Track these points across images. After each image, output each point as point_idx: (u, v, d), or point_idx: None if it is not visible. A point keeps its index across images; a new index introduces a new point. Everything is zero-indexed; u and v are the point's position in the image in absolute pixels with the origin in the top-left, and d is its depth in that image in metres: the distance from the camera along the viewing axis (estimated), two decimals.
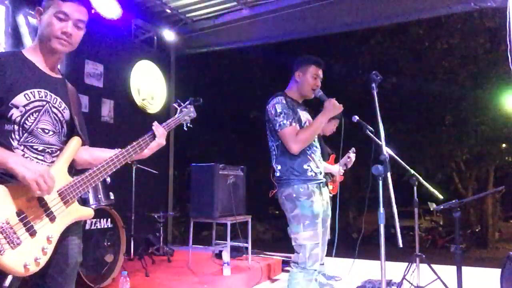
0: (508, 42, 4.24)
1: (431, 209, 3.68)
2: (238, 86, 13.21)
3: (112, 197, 4.02)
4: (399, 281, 3.64)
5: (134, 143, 1.82)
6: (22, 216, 1.47)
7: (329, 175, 4.05)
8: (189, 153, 11.67)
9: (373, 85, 2.46)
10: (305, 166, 2.72)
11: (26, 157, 1.59)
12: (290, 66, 2.96)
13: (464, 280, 2.84)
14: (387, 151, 2.35)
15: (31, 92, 1.61)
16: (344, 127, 3.10)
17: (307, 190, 2.68)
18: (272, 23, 5.81)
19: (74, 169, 1.77)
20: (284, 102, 2.75)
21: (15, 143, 1.58)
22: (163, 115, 6.23)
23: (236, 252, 4.99)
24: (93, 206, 3.70)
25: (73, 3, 1.67)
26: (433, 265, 3.60)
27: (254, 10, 5.85)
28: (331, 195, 4.11)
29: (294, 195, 2.67)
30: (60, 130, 1.71)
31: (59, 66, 1.83)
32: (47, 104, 1.66)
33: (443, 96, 12.22)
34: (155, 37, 6.47)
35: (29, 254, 1.46)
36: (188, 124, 2.11)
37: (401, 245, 2.12)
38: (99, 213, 3.74)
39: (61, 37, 1.65)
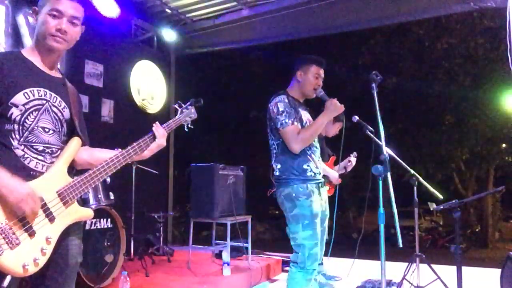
0: (508, 42, 4.24)
1: (431, 209, 3.68)
2: (238, 86, 13.23)
3: (112, 197, 4.02)
4: (399, 281, 3.64)
5: (134, 143, 1.81)
6: (21, 217, 1.47)
7: (325, 177, 4.06)
8: (189, 153, 11.66)
9: (373, 85, 2.46)
10: (304, 166, 2.72)
11: (26, 157, 1.58)
12: (291, 65, 2.97)
13: (464, 280, 2.84)
14: (387, 151, 2.35)
15: (30, 91, 1.61)
16: (345, 129, 3.10)
17: (306, 190, 2.68)
18: (272, 23, 5.81)
19: (74, 170, 1.77)
20: (287, 101, 2.76)
21: (15, 143, 1.58)
22: (163, 115, 6.22)
23: (236, 252, 4.99)
24: (93, 206, 3.70)
25: (67, 0, 1.66)
26: (433, 265, 3.60)
27: (254, 10, 5.85)
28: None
29: (294, 195, 2.68)
30: (60, 129, 1.71)
31: (59, 66, 1.83)
32: (47, 103, 1.66)
33: (443, 96, 12.22)
34: (155, 37, 6.47)
35: (28, 255, 1.46)
36: (189, 125, 2.11)
37: (401, 245, 2.12)
38: (99, 213, 3.74)
39: (56, 35, 1.64)
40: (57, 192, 1.58)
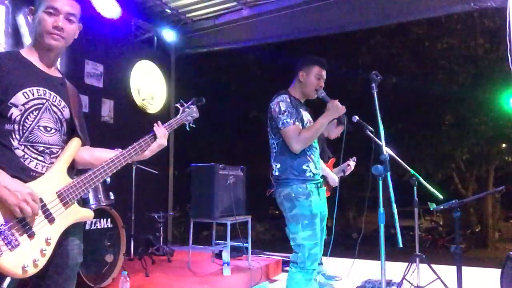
0: (508, 42, 4.24)
1: (431, 209, 3.68)
2: (238, 86, 13.22)
3: (112, 197, 4.02)
4: (399, 281, 3.64)
5: (135, 143, 1.81)
6: (20, 218, 1.46)
7: (324, 178, 4.07)
8: (189, 153, 11.66)
9: (373, 85, 2.47)
10: (304, 167, 2.72)
11: (26, 158, 1.58)
12: (293, 65, 2.97)
13: (464, 280, 2.84)
14: (387, 151, 2.36)
15: (29, 91, 1.61)
16: (346, 132, 3.10)
17: (305, 190, 2.68)
18: (272, 23, 5.81)
19: (74, 170, 1.76)
20: (289, 100, 2.76)
21: (15, 143, 1.57)
22: (163, 115, 6.22)
23: (236, 252, 4.98)
24: (93, 206, 3.70)
25: None
26: (433, 265, 3.60)
27: (254, 10, 5.85)
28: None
29: (293, 195, 2.68)
30: (60, 129, 1.71)
31: (58, 66, 1.82)
32: (47, 102, 1.66)
33: (443, 96, 12.22)
34: (155, 37, 6.47)
35: (28, 256, 1.46)
36: (191, 124, 2.10)
37: (401, 245, 2.12)
38: (99, 213, 3.73)
39: (53, 32, 1.64)
40: (56, 193, 1.58)
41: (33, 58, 1.69)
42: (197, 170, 4.79)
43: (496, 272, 3.44)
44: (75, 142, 1.73)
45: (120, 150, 1.77)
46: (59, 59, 4.58)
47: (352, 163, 4.24)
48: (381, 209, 2.22)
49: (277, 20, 5.75)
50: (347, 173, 4.26)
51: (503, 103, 10.12)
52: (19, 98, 1.58)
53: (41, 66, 1.70)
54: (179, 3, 5.95)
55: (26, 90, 1.60)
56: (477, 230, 16.44)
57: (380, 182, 2.24)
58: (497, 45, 10.63)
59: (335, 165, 4.32)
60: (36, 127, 1.62)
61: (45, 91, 1.66)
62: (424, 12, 5.19)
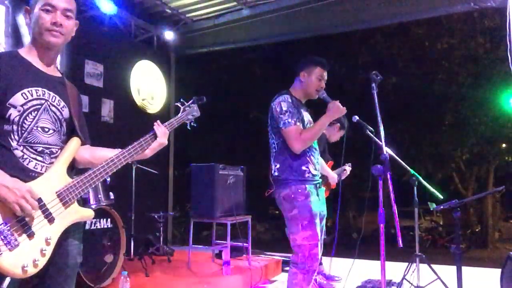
0: (508, 42, 4.24)
1: (431, 209, 3.68)
2: (238, 86, 13.21)
3: (112, 197, 4.02)
4: (399, 281, 3.64)
5: (135, 143, 1.80)
6: (19, 217, 1.46)
7: (325, 177, 4.09)
8: (189, 153, 11.66)
9: (373, 85, 2.47)
10: (303, 167, 2.72)
11: (26, 158, 1.58)
12: (293, 65, 2.97)
13: (464, 280, 2.83)
14: (387, 151, 2.36)
15: (28, 91, 1.60)
16: (346, 136, 3.10)
17: (305, 190, 2.68)
18: (272, 23, 5.81)
19: (75, 169, 1.76)
20: (290, 100, 2.76)
21: (14, 144, 1.57)
22: (163, 115, 6.23)
23: (236, 252, 4.99)
24: (93, 206, 3.70)
25: None
26: (433, 265, 3.60)
27: (254, 10, 5.85)
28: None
29: (292, 196, 2.68)
30: (60, 129, 1.70)
31: (58, 66, 1.82)
32: (46, 103, 1.65)
33: (443, 96, 12.22)
34: (155, 37, 6.47)
35: (27, 256, 1.45)
36: (192, 123, 2.10)
37: (401, 245, 2.12)
38: (99, 213, 3.73)
39: (52, 29, 1.63)
40: (56, 192, 1.58)
41: (32, 57, 1.68)
42: (197, 170, 4.79)
43: (496, 272, 3.44)
44: (75, 141, 1.72)
45: (120, 150, 1.77)
46: (59, 59, 4.60)
47: (348, 168, 4.27)
48: (381, 209, 2.22)
49: (277, 20, 5.75)
50: (343, 177, 4.30)
51: (503, 103, 10.13)
52: (17, 99, 1.57)
53: (40, 65, 1.69)
54: (179, 3, 5.95)
55: (25, 90, 1.59)
56: (477, 230, 16.44)
57: (380, 182, 2.24)
58: (497, 45, 10.62)
59: (333, 168, 4.34)
60: (35, 128, 1.61)
61: (44, 91, 1.65)
62: (424, 12, 5.20)
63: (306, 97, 2.92)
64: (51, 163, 1.64)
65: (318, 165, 2.88)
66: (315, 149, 2.86)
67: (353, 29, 6.16)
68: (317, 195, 2.79)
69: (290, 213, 2.69)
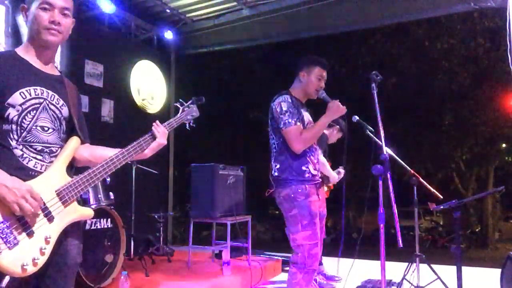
0: (508, 42, 4.24)
1: (431, 209, 3.68)
2: (238, 86, 13.22)
3: (112, 197, 4.02)
4: (399, 281, 3.64)
5: (135, 142, 1.80)
6: (19, 216, 1.46)
7: (326, 178, 4.09)
8: (189, 153, 11.67)
9: (373, 85, 2.47)
10: (303, 168, 2.72)
11: (25, 157, 1.58)
12: (293, 65, 2.97)
13: (464, 280, 2.84)
14: (387, 151, 2.36)
15: (27, 90, 1.60)
16: (345, 135, 3.10)
17: (304, 190, 2.68)
18: (272, 23, 5.81)
19: (74, 168, 1.76)
20: (290, 101, 2.76)
21: (13, 143, 1.57)
22: (163, 115, 6.23)
23: (236, 252, 4.99)
24: (93, 206, 3.70)
25: None
26: (433, 265, 3.60)
27: (254, 10, 5.85)
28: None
29: (292, 195, 2.68)
30: (59, 128, 1.70)
31: (58, 66, 1.82)
32: (44, 101, 1.65)
33: (443, 96, 12.22)
34: (155, 37, 6.47)
35: (27, 255, 1.45)
36: (191, 123, 2.10)
37: (401, 245, 2.12)
38: (99, 213, 3.73)
39: (50, 27, 1.63)
40: (56, 191, 1.58)
41: (29, 57, 1.67)
42: (197, 170, 4.79)
43: (496, 272, 3.44)
44: (74, 140, 1.72)
45: (120, 149, 1.77)
46: (59, 59, 4.61)
47: (342, 170, 4.30)
48: (381, 209, 2.22)
49: (277, 20, 5.75)
50: (337, 180, 4.32)
51: (503, 103, 10.13)
52: (16, 98, 1.57)
53: (38, 64, 1.69)
54: (179, 3, 5.95)
55: (23, 90, 1.59)
56: (477, 230, 16.44)
57: (380, 182, 2.24)
58: (497, 45, 10.62)
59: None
60: (34, 127, 1.61)
61: (43, 90, 1.65)
62: (424, 12, 5.20)
63: (306, 97, 2.92)
64: (51, 162, 1.64)
65: (318, 165, 2.88)
66: (316, 149, 2.87)
67: (353, 29, 6.16)
68: (317, 195, 2.79)
69: (290, 213, 2.69)
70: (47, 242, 1.51)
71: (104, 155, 1.73)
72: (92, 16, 5.43)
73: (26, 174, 1.55)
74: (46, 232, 1.52)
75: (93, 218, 3.41)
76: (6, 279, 1.45)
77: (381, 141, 2.39)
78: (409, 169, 3.61)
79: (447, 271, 3.39)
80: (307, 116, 2.88)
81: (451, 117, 13.10)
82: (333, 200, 4.45)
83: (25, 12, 1.68)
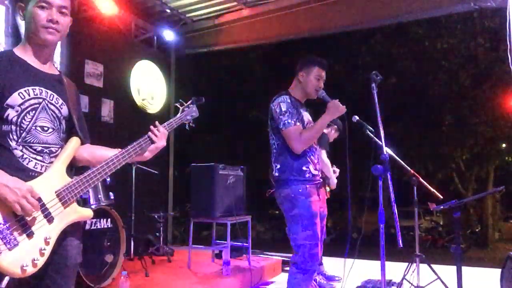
0: (508, 42, 4.24)
1: (431, 209, 3.68)
2: (238, 86, 13.23)
3: (112, 197, 4.01)
4: (399, 281, 3.63)
5: (134, 142, 1.80)
6: (19, 217, 1.46)
7: (326, 179, 4.09)
8: (189, 153, 11.67)
9: (373, 85, 2.47)
10: (304, 168, 2.72)
11: (25, 158, 1.58)
12: (293, 65, 2.97)
13: (464, 280, 2.84)
14: (387, 151, 2.36)
15: (25, 91, 1.59)
16: (343, 135, 3.10)
17: (305, 190, 2.68)
18: (272, 23, 5.81)
19: (73, 169, 1.76)
20: (289, 101, 2.77)
21: (13, 144, 1.57)
22: (163, 115, 6.23)
23: (236, 252, 4.99)
24: (93, 206, 3.70)
25: None
26: (433, 265, 3.60)
27: (254, 10, 5.85)
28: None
29: (292, 195, 2.68)
30: (59, 127, 1.69)
31: (58, 67, 1.82)
32: (44, 101, 1.64)
33: (443, 96, 12.23)
34: (155, 37, 6.46)
35: (27, 255, 1.45)
36: (191, 124, 2.10)
37: (401, 245, 2.12)
38: (99, 213, 3.73)
39: (48, 26, 1.62)
40: (55, 192, 1.57)
41: (27, 56, 1.66)
42: (197, 170, 4.79)
43: (496, 272, 3.44)
44: (74, 141, 1.72)
45: (120, 150, 1.76)
46: (59, 59, 4.60)
47: (336, 169, 4.33)
48: (381, 209, 2.22)
49: (277, 20, 5.75)
50: (335, 183, 4.33)
51: (503, 103, 10.14)
52: (15, 99, 1.56)
53: (37, 64, 1.68)
54: (179, 3, 5.95)
55: (22, 90, 1.58)
56: (477, 230, 16.45)
57: (380, 182, 2.24)
58: (497, 45, 10.63)
59: None
60: (34, 127, 1.60)
61: (42, 90, 1.64)
62: (424, 12, 5.20)
63: (305, 97, 2.92)
64: (51, 162, 1.64)
65: (319, 165, 2.88)
66: (316, 149, 2.87)
67: (353, 29, 6.16)
68: (318, 195, 2.79)
69: (291, 213, 2.69)
70: (46, 243, 1.51)
71: (104, 155, 1.73)
72: (92, 16, 5.43)
73: (26, 175, 1.55)
74: (46, 233, 1.52)
75: (93, 218, 3.41)
76: (6, 279, 1.45)
77: (381, 141, 2.39)
78: (409, 169, 3.61)
79: (447, 271, 3.39)
80: (306, 116, 2.88)
81: (451, 117, 13.10)
82: (333, 200, 4.45)
83: (22, 11, 1.67)
